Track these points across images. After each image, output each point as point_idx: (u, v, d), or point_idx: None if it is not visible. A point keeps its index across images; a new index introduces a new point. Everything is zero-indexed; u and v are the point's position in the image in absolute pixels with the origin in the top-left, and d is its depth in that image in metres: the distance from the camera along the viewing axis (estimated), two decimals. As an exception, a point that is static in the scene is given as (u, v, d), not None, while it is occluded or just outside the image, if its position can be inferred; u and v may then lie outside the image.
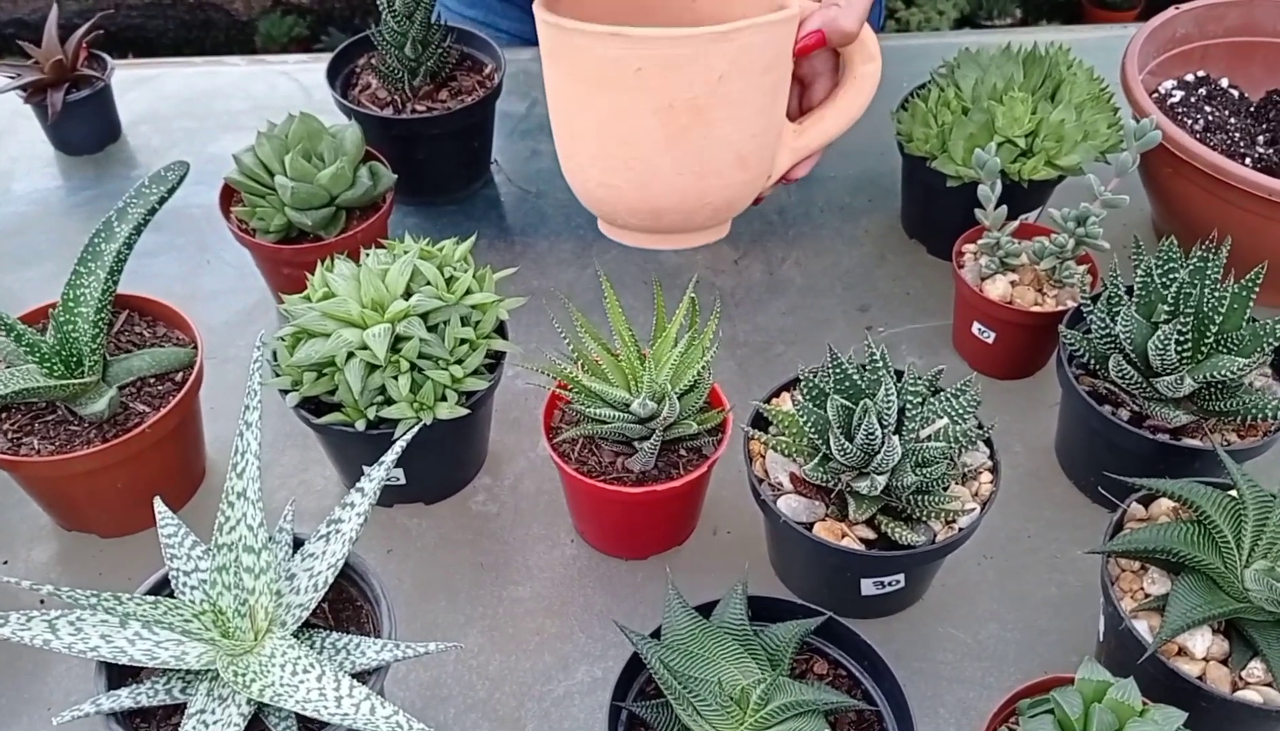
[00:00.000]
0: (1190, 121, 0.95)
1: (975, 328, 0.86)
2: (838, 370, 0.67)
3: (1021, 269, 0.86)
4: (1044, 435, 0.85)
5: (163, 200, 0.75)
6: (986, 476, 0.70)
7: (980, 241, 0.86)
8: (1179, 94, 0.99)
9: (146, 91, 1.18)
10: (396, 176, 0.92)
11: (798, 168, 0.80)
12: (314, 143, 0.87)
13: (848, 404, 0.66)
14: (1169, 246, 0.75)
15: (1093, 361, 0.76)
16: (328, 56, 1.03)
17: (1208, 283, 0.72)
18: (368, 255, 0.77)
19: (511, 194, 1.08)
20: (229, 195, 0.91)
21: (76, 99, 1.07)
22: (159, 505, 0.65)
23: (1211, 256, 0.73)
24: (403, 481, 0.77)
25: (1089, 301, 0.77)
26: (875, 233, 1.03)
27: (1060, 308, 0.83)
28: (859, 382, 0.67)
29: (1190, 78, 1.01)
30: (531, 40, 1.25)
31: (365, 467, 0.75)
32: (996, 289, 0.84)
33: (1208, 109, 0.98)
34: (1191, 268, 0.72)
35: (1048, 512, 0.80)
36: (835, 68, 0.80)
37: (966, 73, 0.94)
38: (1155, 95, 0.99)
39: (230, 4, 3.05)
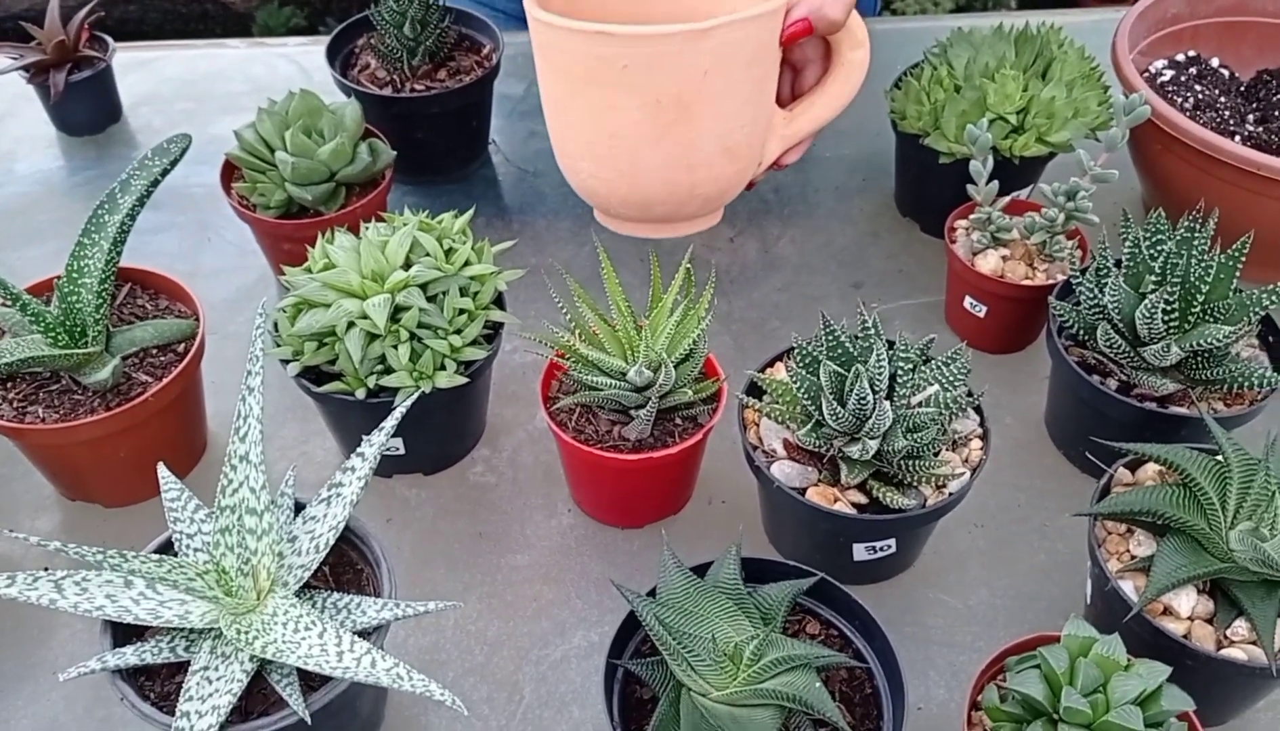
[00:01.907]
0: (1180, 100, 0.97)
1: (967, 302, 0.88)
2: (830, 337, 0.68)
3: (1012, 244, 0.87)
4: (1034, 407, 0.86)
5: (165, 172, 0.76)
6: (977, 443, 0.71)
7: (972, 217, 0.87)
8: (1169, 73, 1.00)
9: (147, 74, 1.19)
10: (395, 152, 0.92)
11: (789, 154, 0.81)
12: (314, 119, 0.88)
13: (840, 370, 0.67)
14: (1157, 218, 0.76)
15: (1081, 332, 0.77)
16: (327, 38, 1.04)
17: (1195, 252, 0.73)
18: (367, 228, 0.78)
19: (509, 174, 1.09)
20: (229, 172, 0.92)
21: (78, 80, 1.08)
22: (163, 470, 0.66)
23: (1199, 227, 0.74)
24: (402, 451, 0.79)
25: (1078, 274, 0.78)
26: (869, 212, 1.04)
27: (1050, 281, 0.85)
28: (851, 350, 0.68)
29: (1181, 57, 1.02)
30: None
31: (365, 437, 0.77)
32: (988, 263, 0.85)
33: (1198, 88, 0.99)
34: (1179, 238, 0.74)
35: (1038, 482, 0.81)
36: (826, 54, 0.81)
37: (959, 52, 0.95)
38: (1146, 74, 1.00)
39: (228, -6, 3.05)
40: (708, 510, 0.79)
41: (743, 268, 0.98)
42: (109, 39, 1.11)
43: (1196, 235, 0.73)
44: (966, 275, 0.86)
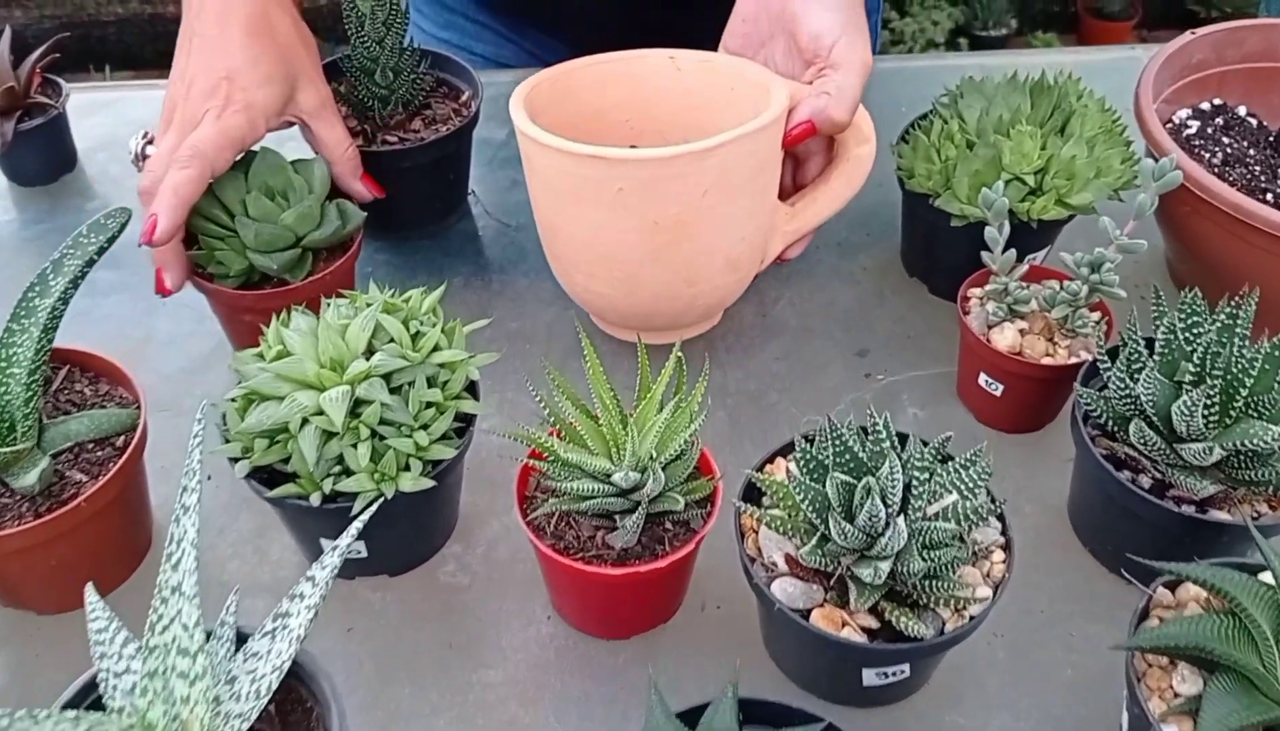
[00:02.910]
0: (1208, 155, 0.90)
1: (982, 378, 0.81)
2: (837, 442, 0.61)
3: (1031, 316, 0.80)
4: (1055, 493, 0.79)
5: (102, 250, 0.69)
6: (999, 555, 0.65)
7: (988, 287, 0.80)
8: (1194, 124, 0.93)
9: (106, 116, 1.12)
10: (366, 213, 0.86)
11: (791, 248, 0.77)
12: (277, 180, 0.81)
13: (849, 480, 0.60)
14: (1192, 299, 0.69)
15: (1111, 423, 0.70)
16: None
17: (1236, 342, 0.66)
18: (328, 306, 0.71)
19: (490, 228, 1.02)
20: (187, 237, 0.85)
21: (29, 128, 1.01)
22: (90, 594, 0.59)
23: (1240, 312, 0.67)
24: (364, 554, 0.72)
25: (1105, 357, 0.72)
26: (874, 270, 0.97)
27: (1073, 359, 0.78)
28: (860, 455, 0.61)
29: (1206, 106, 0.96)
30: (508, 64, 1.20)
31: (324, 541, 0.70)
32: (1005, 339, 0.79)
33: (1225, 140, 0.92)
34: (1219, 324, 0.67)
35: (1061, 582, 0.74)
36: (830, 143, 0.76)
37: (970, 102, 0.88)
38: (1169, 125, 0.94)
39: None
40: (701, 617, 0.72)
41: (738, 333, 0.91)
42: (62, 82, 1.04)
43: (1238, 321, 0.67)
44: (982, 352, 0.79)
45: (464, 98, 0.98)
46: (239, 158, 0.81)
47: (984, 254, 0.79)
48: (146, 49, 3.06)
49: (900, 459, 0.61)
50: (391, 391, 0.67)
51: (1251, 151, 0.92)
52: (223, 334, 0.90)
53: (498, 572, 0.75)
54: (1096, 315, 0.80)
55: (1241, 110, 0.96)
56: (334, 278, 0.81)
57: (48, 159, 1.04)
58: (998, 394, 0.80)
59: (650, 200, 0.70)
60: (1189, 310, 0.69)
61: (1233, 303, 0.67)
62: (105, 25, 2.97)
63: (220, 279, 0.80)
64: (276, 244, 0.79)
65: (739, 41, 0.85)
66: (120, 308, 0.93)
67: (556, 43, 1.18)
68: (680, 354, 0.67)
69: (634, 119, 0.87)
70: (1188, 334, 0.69)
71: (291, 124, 0.85)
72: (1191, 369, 0.66)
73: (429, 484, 0.66)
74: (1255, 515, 0.68)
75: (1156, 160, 0.84)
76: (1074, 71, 0.90)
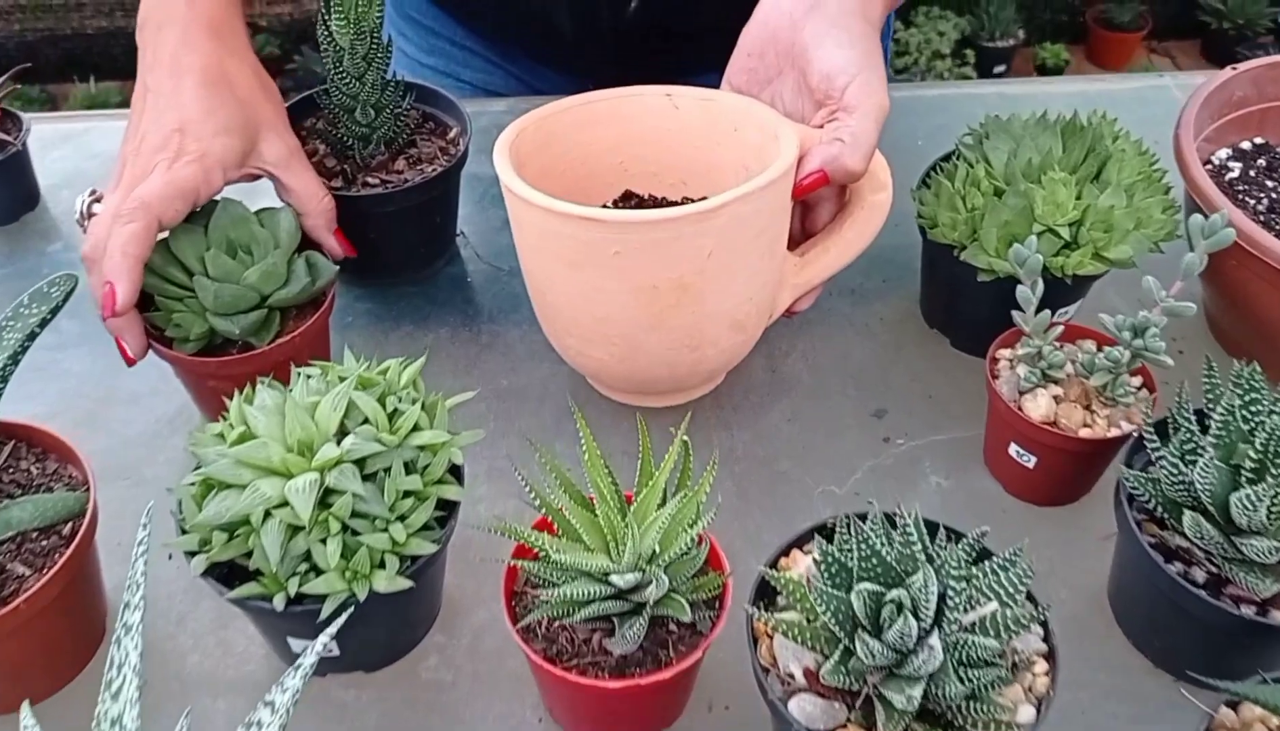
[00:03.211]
0: (1253, 201, 0.84)
1: (1013, 449, 0.74)
2: (863, 546, 0.54)
3: (1066, 382, 0.74)
4: (1094, 575, 0.72)
5: (44, 322, 0.63)
6: (1042, 665, 0.58)
7: (1019, 350, 0.74)
8: (1236, 166, 0.87)
9: (70, 149, 1.06)
10: (339, 266, 0.79)
11: (801, 301, 0.70)
12: (240, 233, 0.75)
13: (876, 588, 0.54)
14: (1250, 374, 0.63)
15: (1161, 510, 0.63)
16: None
17: (1304, 426, 0.59)
18: (297, 378, 0.64)
19: (479, 272, 0.95)
20: (142, 298, 0.78)
21: (-14, 165, 0.94)
22: (25, 715, 0.52)
23: (1307, 392, 0.61)
24: (336, 653, 0.65)
25: (1152, 432, 0.65)
26: (891, 320, 0.90)
27: (1114, 431, 0.71)
28: (888, 558, 0.55)
29: (1247, 145, 0.90)
30: (498, 91, 1.14)
31: (292, 640, 0.63)
32: (1038, 408, 0.72)
33: (1270, 183, 0.86)
34: (1284, 406, 0.60)
35: (1103, 678, 0.68)
36: (841, 191, 0.70)
37: (996, 144, 0.82)
38: (1209, 166, 0.87)
39: (198, 24, 2.92)
40: (708, 719, 0.66)
41: (746, 390, 0.85)
42: (23, 116, 0.97)
43: (1305, 403, 0.60)
44: (1014, 421, 0.72)
45: (451, 134, 0.92)
46: (199, 210, 0.74)
47: (1015, 314, 0.72)
48: (132, 61, 2.99)
49: (933, 564, 0.54)
50: (365, 479, 0.60)
51: (1297, 195, 0.85)
52: (185, 397, 0.83)
53: (484, 667, 0.68)
54: (1137, 381, 0.73)
55: (1284, 149, 0.90)
56: (304, 339, 0.74)
57: (8, 198, 0.98)
58: (1030, 466, 0.74)
59: (649, 263, 0.63)
60: (1247, 386, 0.63)
61: (1299, 382, 0.61)
62: (89, 38, 2.90)
63: (180, 344, 0.73)
64: (239, 305, 0.73)
65: (744, 78, 0.79)
66: (79, 363, 0.86)
67: (546, 69, 1.11)
68: (685, 437, 0.60)
69: (627, 161, 0.81)
70: (1245, 411, 0.62)
71: (256, 177, 0.79)
72: (1253, 455, 0.60)
73: (406, 584, 0.59)
74: (1322, 615, 0.61)
75: (1200, 209, 0.77)
76: (1099, 102, 0.84)
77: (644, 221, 0.61)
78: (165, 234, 0.73)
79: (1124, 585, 0.69)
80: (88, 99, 2.79)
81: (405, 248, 0.90)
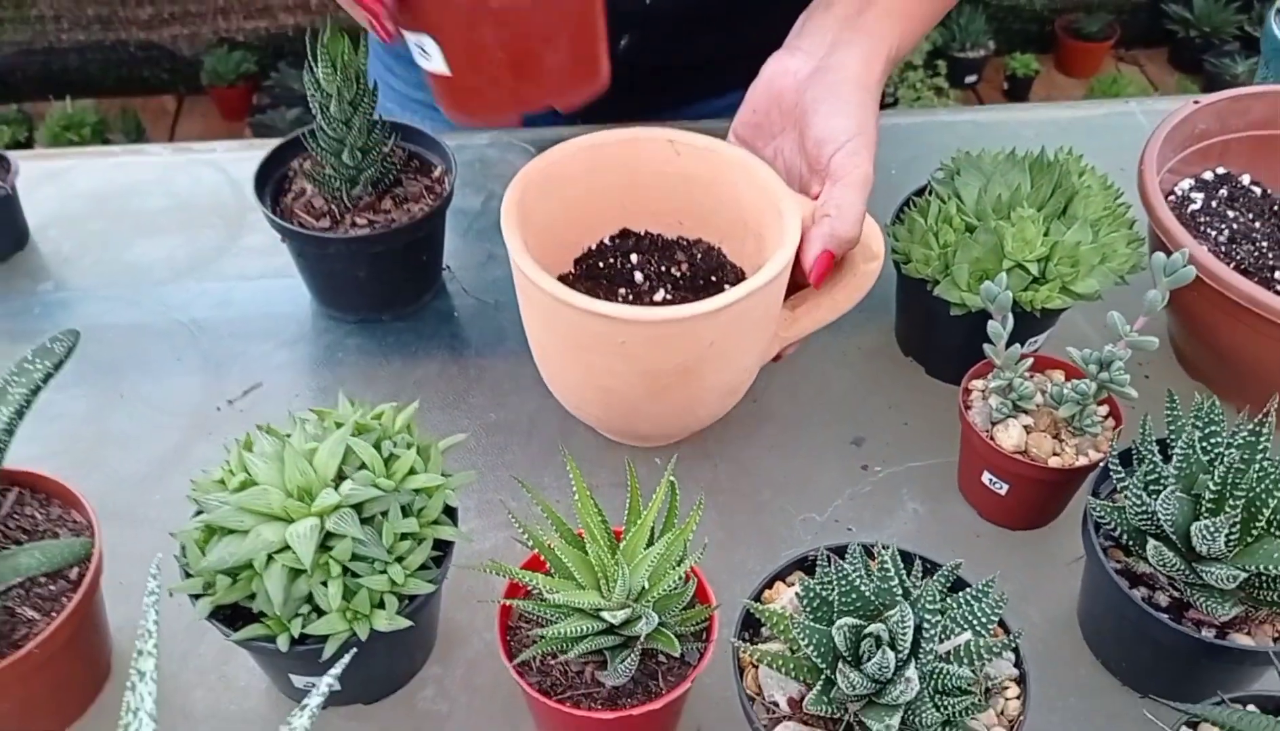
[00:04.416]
0: (1214, 233, 0.87)
1: (985, 477, 0.77)
2: (844, 582, 0.57)
3: (1036, 412, 0.77)
4: (1063, 598, 0.75)
5: (48, 376, 0.65)
6: (1013, 690, 0.61)
7: (990, 381, 0.77)
8: (1198, 197, 0.90)
9: (57, 188, 1.07)
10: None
11: (786, 350, 0.73)
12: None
13: (857, 622, 0.56)
14: (1210, 407, 0.66)
15: (1126, 537, 0.66)
16: (258, 151, 0.92)
17: (1258, 461, 0.62)
18: (295, 423, 0.66)
19: (466, 306, 0.97)
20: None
21: (-24, 207, 0.96)
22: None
23: (1263, 429, 0.64)
24: (337, 687, 0.67)
25: (1117, 463, 0.68)
26: (867, 349, 0.93)
27: (1082, 459, 0.74)
28: (867, 593, 0.57)
29: (1209, 176, 0.93)
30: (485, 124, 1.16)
31: (294, 677, 0.65)
32: (1010, 438, 0.75)
33: (1231, 214, 0.89)
34: (1240, 442, 0.63)
35: (1074, 700, 0.71)
36: None
37: (968, 181, 0.85)
38: (1172, 197, 0.91)
39: (173, 42, 2.92)
40: (696, 746, 0.68)
41: (728, 421, 0.87)
42: (11, 158, 0.98)
43: (1260, 437, 0.63)
44: (985, 451, 0.75)
45: (436, 173, 0.94)
46: None
47: (987, 347, 0.75)
48: (109, 75, 2.99)
49: (909, 598, 0.57)
50: (364, 522, 0.62)
51: (1258, 224, 0.89)
52: (183, 431, 0.85)
53: (480, 697, 0.71)
54: (1104, 410, 0.76)
55: (1245, 178, 0.93)
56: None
57: (-1, 238, 0.99)
58: (1002, 492, 0.77)
59: (653, 353, 0.67)
60: (1206, 419, 0.66)
61: (1254, 419, 0.64)
62: (66, 52, 2.90)
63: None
64: None
65: (750, 131, 0.82)
66: (73, 404, 0.88)
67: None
68: (673, 478, 0.63)
69: (628, 202, 0.84)
70: (1205, 444, 0.65)
71: None
72: (1212, 486, 0.63)
73: (405, 624, 0.62)
74: (1277, 637, 0.65)
75: (1163, 246, 0.81)
76: (1068, 129, 0.87)
77: (651, 320, 0.64)
78: None
79: (1092, 608, 0.72)
80: (65, 119, 2.79)
81: (393, 285, 0.92)
